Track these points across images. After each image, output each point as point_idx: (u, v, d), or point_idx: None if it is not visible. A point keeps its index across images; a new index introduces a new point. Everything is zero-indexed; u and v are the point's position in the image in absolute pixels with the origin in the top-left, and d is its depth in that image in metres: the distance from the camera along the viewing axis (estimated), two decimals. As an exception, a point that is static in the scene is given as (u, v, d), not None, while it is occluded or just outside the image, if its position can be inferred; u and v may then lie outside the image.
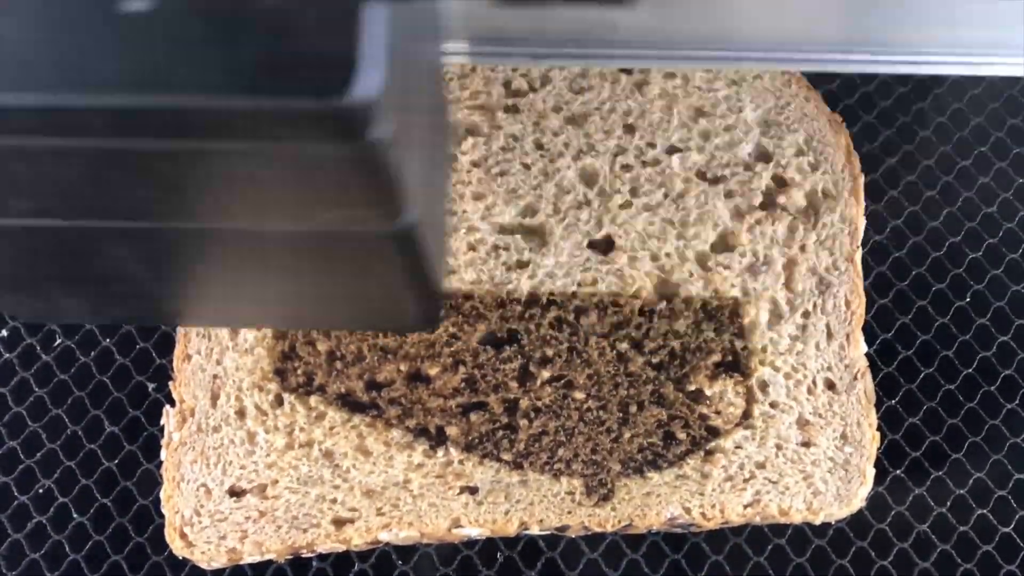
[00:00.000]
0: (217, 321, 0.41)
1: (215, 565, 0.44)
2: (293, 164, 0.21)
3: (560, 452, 0.44)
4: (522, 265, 0.46)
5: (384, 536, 0.43)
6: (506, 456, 0.44)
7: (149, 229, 0.24)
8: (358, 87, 0.18)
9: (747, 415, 0.45)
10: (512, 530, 0.43)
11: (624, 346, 0.45)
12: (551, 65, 0.49)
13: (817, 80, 0.54)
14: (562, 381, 0.45)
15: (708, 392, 0.45)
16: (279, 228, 0.24)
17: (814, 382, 0.45)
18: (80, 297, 0.30)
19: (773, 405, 0.45)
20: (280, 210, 0.23)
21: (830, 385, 0.45)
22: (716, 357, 0.45)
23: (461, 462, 0.44)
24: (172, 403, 0.45)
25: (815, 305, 0.46)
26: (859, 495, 0.44)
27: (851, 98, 0.55)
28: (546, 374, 0.45)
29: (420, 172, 0.24)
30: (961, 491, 0.48)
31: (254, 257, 0.27)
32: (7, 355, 0.51)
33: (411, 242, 0.24)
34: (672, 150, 0.48)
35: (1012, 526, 0.47)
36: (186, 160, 0.21)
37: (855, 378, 0.45)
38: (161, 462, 0.45)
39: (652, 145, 0.48)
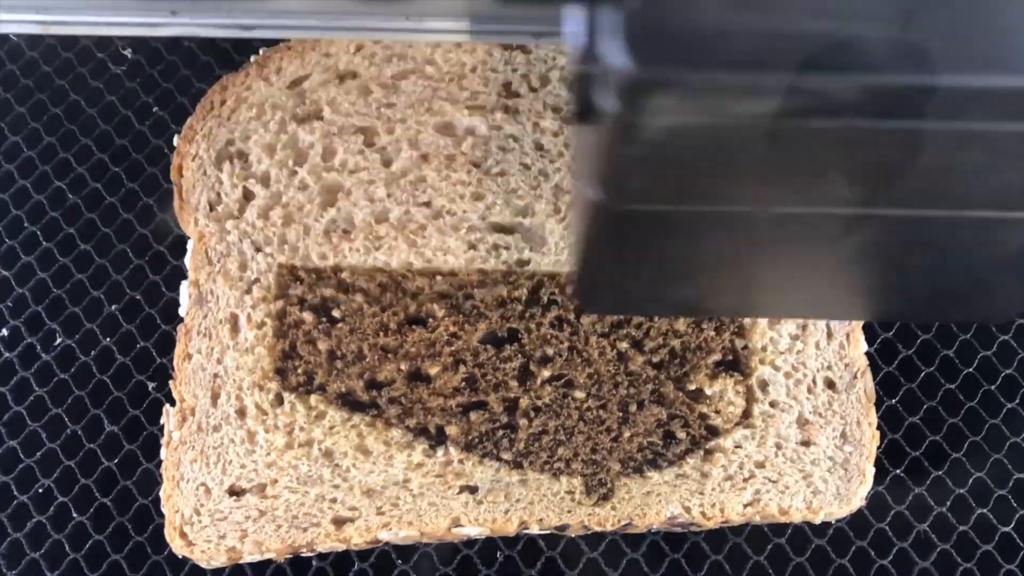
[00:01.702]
0: (803, 311, 0.39)
1: (215, 564, 0.44)
2: None
3: (560, 451, 0.44)
4: (522, 264, 0.46)
5: (384, 535, 0.43)
6: (506, 455, 0.44)
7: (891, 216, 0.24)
8: None
9: (747, 414, 0.45)
10: (512, 529, 0.43)
11: (624, 345, 0.45)
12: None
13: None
14: (562, 380, 0.45)
15: (708, 391, 0.45)
16: (1001, 216, 0.23)
17: (814, 381, 0.45)
18: (709, 288, 0.29)
19: (773, 404, 0.45)
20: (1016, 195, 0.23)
21: (830, 384, 0.45)
22: (716, 356, 0.45)
23: (461, 461, 0.44)
24: (172, 402, 0.45)
25: (815, 304, 0.46)
26: (859, 494, 0.44)
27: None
28: (546, 373, 0.45)
29: None
30: (961, 491, 0.48)
31: (971, 246, 0.26)
32: (7, 355, 0.51)
33: None
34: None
35: (1012, 526, 0.47)
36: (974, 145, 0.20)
37: (855, 377, 0.45)
38: (161, 461, 0.45)
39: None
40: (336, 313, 0.46)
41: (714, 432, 0.45)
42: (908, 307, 0.34)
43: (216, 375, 0.45)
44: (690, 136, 0.20)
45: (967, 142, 0.21)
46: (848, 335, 0.46)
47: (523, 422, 0.44)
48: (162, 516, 0.44)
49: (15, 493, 0.48)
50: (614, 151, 0.21)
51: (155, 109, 0.55)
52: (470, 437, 0.44)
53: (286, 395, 0.45)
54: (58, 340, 0.51)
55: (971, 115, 0.19)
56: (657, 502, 0.44)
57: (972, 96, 0.19)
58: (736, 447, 0.44)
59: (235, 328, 0.46)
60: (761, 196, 0.23)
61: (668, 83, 0.18)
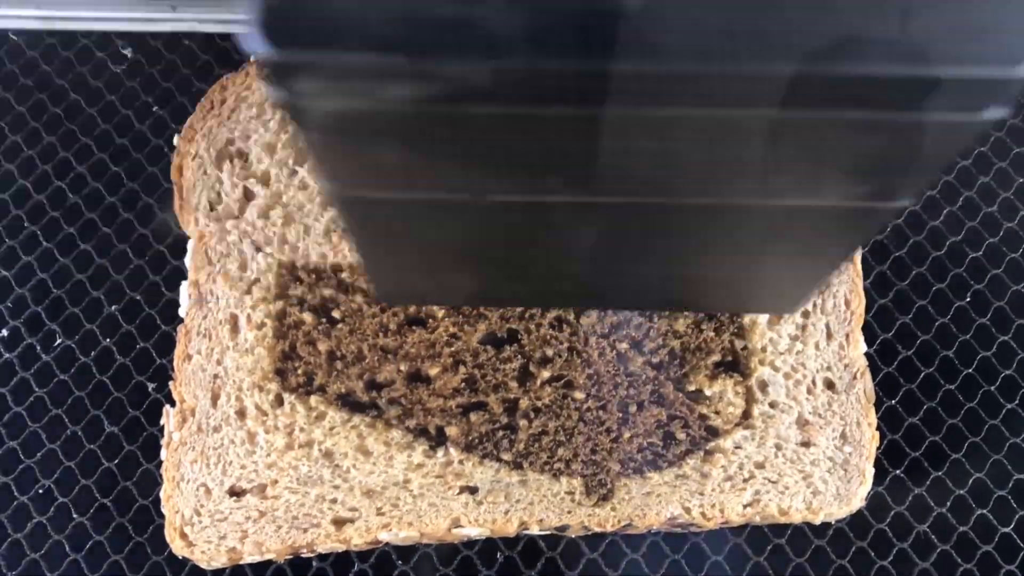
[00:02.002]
0: (611, 302, 0.39)
1: (215, 565, 0.44)
2: (894, 135, 0.20)
3: (560, 452, 0.44)
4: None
5: (384, 536, 0.43)
6: (506, 456, 0.44)
7: (652, 204, 0.24)
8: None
9: (747, 415, 0.45)
10: (512, 530, 0.43)
11: (624, 346, 0.45)
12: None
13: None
14: (562, 381, 0.45)
15: (708, 392, 0.45)
16: (793, 203, 0.23)
17: (813, 382, 0.45)
18: (477, 278, 0.29)
19: (773, 405, 0.45)
20: (816, 183, 0.22)
21: (829, 385, 0.45)
22: (716, 357, 0.45)
23: (461, 462, 0.44)
24: (172, 403, 0.45)
25: (814, 305, 0.46)
26: (859, 494, 0.44)
27: (851, 98, 0.55)
28: (546, 374, 0.45)
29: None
30: (961, 491, 0.48)
31: (718, 234, 0.26)
32: (7, 355, 0.51)
33: (884, 222, 0.24)
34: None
35: (1012, 526, 0.47)
36: (784, 131, 0.20)
37: (854, 378, 0.45)
38: (161, 462, 0.45)
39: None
40: (336, 314, 0.46)
41: (714, 433, 0.45)
42: (688, 297, 0.34)
43: (216, 376, 0.45)
44: (355, 120, 0.20)
45: (643, 128, 0.20)
46: (847, 336, 0.46)
47: (523, 423, 0.44)
48: (162, 517, 0.44)
49: (15, 494, 0.48)
50: (304, 136, 0.21)
51: (155, 109, 0.55)
52: (470, 438, 0.44)
53: (286, 396, 0.45)
54: (58, 341, 0.51)
55: (642, 100, 0.19)
56: (657, 503, 0.44)
57: (639, 81, 0.19)
58: (736, 448, 0.44)
59: (235, 329, 0.46)
60: (458, 184, 0.23)
61: (306, 67, 0.18)
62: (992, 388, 0.50)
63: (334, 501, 0.43)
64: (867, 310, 0.47)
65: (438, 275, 0.30)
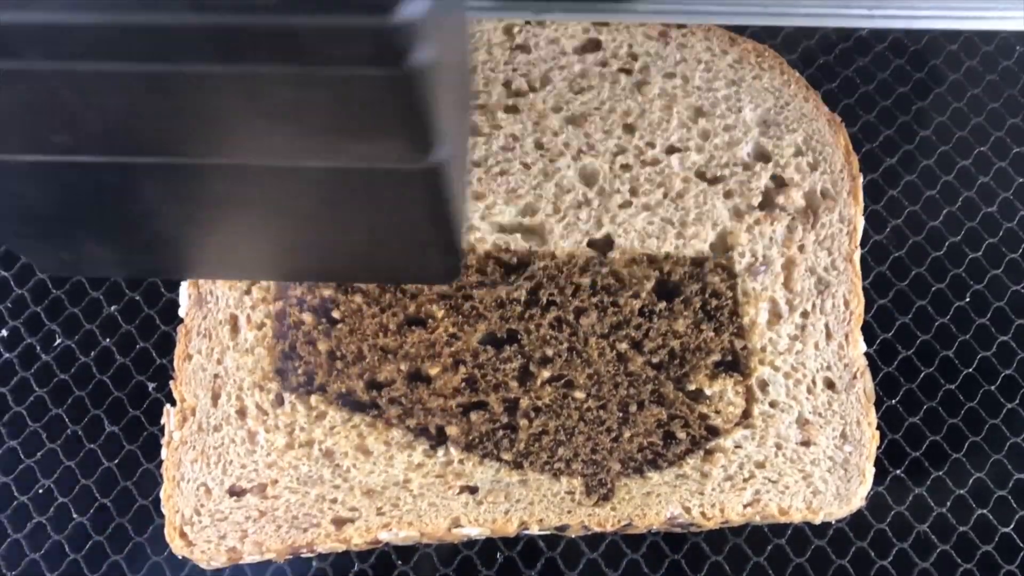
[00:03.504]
0: (234, 272, 0.39)
1: (215, 565, 0.44)
2: (330, 91, 0.20)
3: (560, 452, 0.44)
4: (522, 264, 0.46)
5: (384, 536, 0.43)
6: (506, 456, 0.44)
7: (178, 166, 0.24)
8: (406, 7, 0.18)
9: (747, 414, 0.45)
10: (512, 530, 0.43)
11: (624, 346, 0.45)
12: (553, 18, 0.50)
13: (817, 80, 0.54)
14: (562, 381, 0.45)
15: (708, 392, 0.45)
16: (308, 164, 0.23)
17: (813, 381, 0.45)
18: (106, 245, 0.29)
19: (773, 404, 0.45)
20: (312, 144, 0.23)
21: (829, 384, 0.45)
22: (716, 357, 0.45)
23: (461, 462, 0.44)
24: (172, 403, 0.45)
25: (814, 305, 0.46)
26: (859, 494, 0.44)
27: (851, 98, 0.55)
28: (546, 374, 0.45)
29: (451, 111, 0.23)
30: (961, 491, 0.48)
31: (279, 199, 0.26)
32: (7, 355, 0.51)
33: (440, 180, 0.23)
34: (671, 150, 0.48)
35: (1012, 526, 0.47)
36: (221, 87, 0.20)
37: (854, 377, 0.45)
38: (161, 462, 0.45)
39: (651, 145, 0.48)
40: (336, 314, 0.46)
41: (714, 432, 0.45)
42: (318, 268, 0.34)
43: (216, 375, 0.45)
44: None
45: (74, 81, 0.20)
46: (847, 335, 0.46)
47: (523, 422, 0.44)
48: (162, 516, 0.44)
49: (15, 494, 0.48)
50: None
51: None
52: (470, 437, 0.44)
53: (286, 395, 0.45)
54: (58, 340, 0.51)
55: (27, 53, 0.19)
56: (657, 502, 0.44)
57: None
58: (736, 447, 0.44)
59: (235, 329, 0.46)
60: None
61: None
62: (992, 388, 0.50)
63: (334, 501, 0.43)
64: (867, 310, 0.47)
65: (58, 242, 0.29)
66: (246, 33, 0.18)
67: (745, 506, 0.44)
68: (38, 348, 0.51)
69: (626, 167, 0.48)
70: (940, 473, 0.49)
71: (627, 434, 0.44)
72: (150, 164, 0.24)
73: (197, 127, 0.22)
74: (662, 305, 0.46)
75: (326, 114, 0.21)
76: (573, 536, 0.46)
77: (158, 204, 0.26)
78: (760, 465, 0.44)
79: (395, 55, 0.18)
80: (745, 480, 0.44)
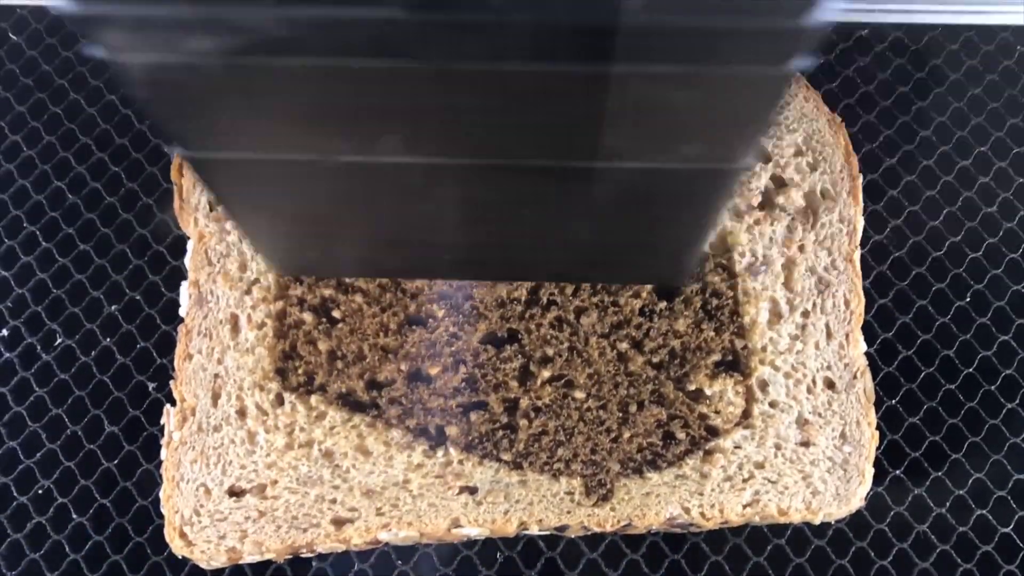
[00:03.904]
0: (479, 274, 0.38)
1: (215, 565, 0.44)
2: (698, 89, 0.20)
3: (560, 452, 0.44)
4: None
5: (384, 536, 0.43)
6: (506, 456, 0.44)
7: (481, 166, 0.23)
8: (818, 11, 0.17)
9: (747, 414, 0.45)
10: (512, 530, 0.43)
11: (624, 346, 0.45)
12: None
13: (817, 80, 0.54)
14: (562, 381, 0.45)
15: (708, 392, 0.45)
16: (629, 166, 0.23)
17: (813, 381, 0.45)
18: (360, 245, 0.29)
19: (773, 404, 0.45)
20: (649, 144, 0.22)
21: (829, 384, 0.45)
22: (716, 357, 0.45)
23: (461, 462, 0.44)
24: (172, 403, 0.45)
25: (814, 305, 0.46)
26: (858, 494, 0.44)
27: (851, 98, 0.55)
28: (546, 374, 0.45)
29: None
30: (961, 491, 0.48)
31: (573, 201, 0.25)
32: (7, 355, 0.51)
33: (734, 183, 0.23)
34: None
35: (1012, 526, 0.47)
36: (598, 87, 0.20)
37: (854, 377, 0.45)
38: (161, 462, 0.45)
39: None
40: (336, 314, 0.46)
41: (714, 432, 0.45)
42: (566, 268, 0.33)
43: (217, 375, 0.45)
44: (172, 76, 0.20)
45: (460, 83, 0.20)
46: (847, 335, 0.46)
47: (523, 423, 0.44)
48: (162, 517, 0.44)
49: (15, 494, 0.48)
50: (136, 96, 0.21)
51: (155, 109, 0.55)
52: (470, 438, 0.44)
53: (286, 395, 0.45)
54: (58, 340, 0.51)
55: (451, 53, 0.19)
56: (657, 503, 0.44)
57: (446, 32, 0.18)
58: (736, 448, 0.44)
59: (235, 328, 0.46)
60: (300, 143, 0.23)
61: (109, 20, 0.18)
62: (992, 388, 0.50)
63: (334, 501, 0.43)
64: (867, 310, 0.47)
65: (316, 242, 0.29)
66: (658, 33, 0.18)
67: (744, 506, 0.44)
68: (38, 348, 0.51)
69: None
70: (940, 473, 0.49)
71: (627, 434, 0.44)
72: (458, 165, 0.23)
73: (538, 127, 0.22)
74: (662, 305, 0.46)
75: (677, 114, 0.21)
76: (573, 536, 0.46)
77: (446, 205, 0.26)
78: (760, 465, 0.44)
79: (786, 56, 0.18)
80: (744, 480, 0.44)
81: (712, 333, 0.46)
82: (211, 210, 0.47)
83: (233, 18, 0.18)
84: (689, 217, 0.26)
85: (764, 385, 0.45)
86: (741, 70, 0.19)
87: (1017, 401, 0.50)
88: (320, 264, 0.32)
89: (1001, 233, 0.53)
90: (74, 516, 0.48)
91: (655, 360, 0.45)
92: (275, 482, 0.44)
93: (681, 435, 0.44)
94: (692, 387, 0.45)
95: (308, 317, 0.45)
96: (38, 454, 0.49)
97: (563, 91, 0.20)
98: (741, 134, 0.22)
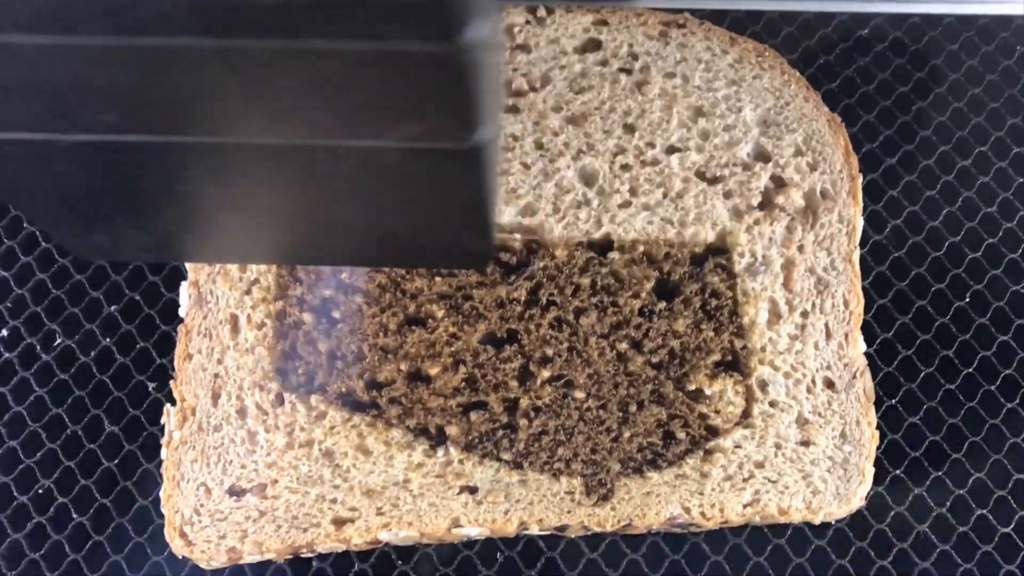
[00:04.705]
0: (264, 256, 0.39)
1: (215, 564, 0.44)
2: (383, 67, 0.20)
3: (560, 452, 0.44)
4: (521, 264, 0.46)
5: (384, 536, 0.43)
6: (506, 456, 0.44)
7: (220, 145, 0.23)
8: None
9: (746, 414, 0.45)
10: (512, 530, 0.43)
11: (624, 346, 0.45)
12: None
13: (817, 80, 0.54)
14: (562, 381, 0.45)
15: (708, 391, 0.45)
16: (352, 144, 0.23)
17: (813, 381, 0.45)
18: (140, 228, 0.29)
19: (772, 404, 0.45)
20: (359, 123, 0.22)
21: (829, 384, 0.45)
22: (715, 356, 0.45)
23: (461, 462, 0.44)
24: (173, 402, 0.45)
25: (814, 305, 0.46)
26: (858, 494, 0.44)
27: (851, 98, 0.55)
28: (546, 374, 0.45)
29: (491, 92, 0.23)
30: (961, 491, 0.48)
31: (318, 180, 0.26)
32: (7, 355, 0.51)
33: (481, 161, 0.23)
34: (671, 150, 0.48)
35: (1012, 526, 0.47)
36: (272, 62, 0.20)
37: (854, 377, 0.45)
38: (161, 461, 0.45)
39: (651, 145, 0.48)
40: (336, 314, 0.46)
41: (714, 432, 0.45)
42: (362, 253, 0.33)
43: (217, 375, 0.45)
44: None
45: (135, 58, 0.20)
46: (847, 335, 0.46)
47: (523, 422, 0.44)
48: (162, 516, 0.44)
49: (15, 494, 0.48)
50: None
51: (155, 109, 0.55)
52: (470, 437, 0.44)
53: (287, 395, 0.45)
54: (58, 340, 0.51)
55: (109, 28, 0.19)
56: (657, 502, 0.44)
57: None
58: (736, 447, 0.44)
59: (235, 328, 0.46)
60: (32, 120, 0.23)
61: None
62: (992, 388, 0.50)
63: (334, 501, 0.43)
64: (867, 310, 0.47)
65: (99, 226, 0.29)
66: (303, 6, 0.18)
67: (745, 506, 0.44)
68: (38, 348, 0.51)
69: (626, 167, 0.48)
70: (940, 473, 0.49)
71: (627, 434, 0.44)
72: (190, 143, 0.24)
73: (252, 105, 0.22)
74: (662, 305, 0.46)
75: (377, 92, 0.21)
76: (573, 536, 0.46)
77: (195, 185, 0.26)
78: (760, 465, 0.44)
79: (450, 30, 0.18)
80: (745, 480, 0.44)
81: (712, 333, 0.46)
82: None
83: None
84: (450, 198, 0.26)
85: (764, 385, 0.45)
86: (402, 45, 0.19)
87: (1017, 401, 0.50)
88: (112, 247, 0.32)
89: (1001, 233, 0.53)
90: (74, 516, 0.48)
91: (655, 360, 0.45)
92: (275, 482, 0.44)
93: (681, 435, 0.44)
94: (692, 387, 0.45)
95: (308, 317, 0.45)
96: (38, 454, 0.49)
97: (253, 67, 0.20)
98: (451, 112, 0.21)
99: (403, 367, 0.45)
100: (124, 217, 0.28)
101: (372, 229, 0.30)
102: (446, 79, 0.20)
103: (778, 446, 0.44)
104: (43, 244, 0.53)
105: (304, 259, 0.41)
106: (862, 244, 0.47)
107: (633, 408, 0.45)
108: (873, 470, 0.44)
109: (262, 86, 0.21)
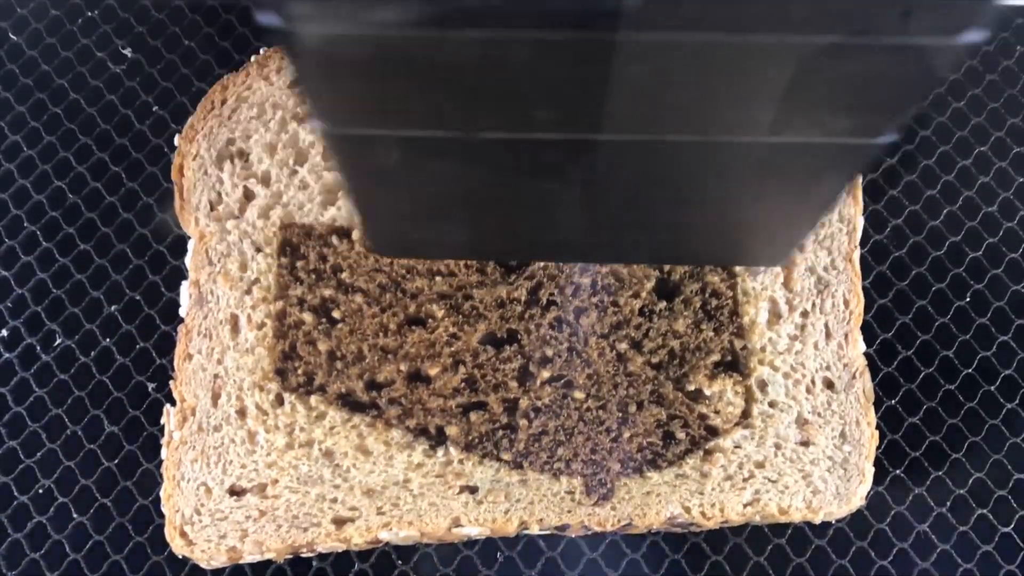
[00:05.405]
0: (602, 256, 0.38)
1: (215, 564, 0.44)
2: (860, 61, 0.19)
3: (560, 452, 0.44)
4: (522, 264, 0.46)
5: (384, 536, 0.43)
6: (506, 456, 0.44)
7: (638, 143, 0.23)
8: None
9: (746, 414, 0.45)
10: (512, 529, 0.43)
11: (623, 346, 0.45)
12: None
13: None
14: (562, 381, 0.45)
15: (707, 392, 0.45)
16: (782, 141, 0.23)
17: (813, 381, 0.45)
18: (474, 227, 0.29)
19: (772, 404, 0.45)
20: (796, 117, 0.22)
21: (829, 384, 0.45)
22: (715, 357, 0.45)
23: (461, 462, 0.44)
24: (172, 403, 0.45)
25: (813, 304, 0.46)
26: (858, 493, 0.44)
27: (851, 98, 0.55)
28: (546, 374, 0.45)
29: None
30: (961, 491, 0.48)
31: (712, 178, 0.25)
32: (7, 355, 0.51)
33: (869, 160, 0.23)
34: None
35: (1012, 526, 0.47)
36: (764, 59, 0.19)
37: (853, 377, 0.45)
38: (161, 462, 0.45)
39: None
40: (336, 314, 0.46)
41: (713, 432, 0.45)
42: (675, 250, 0.33)
43: (217, 375, 0.45)
44: (346, 47, 0.20)
45: (635, 56, 0.19)
46: (846, 335, 0.46)
47: (523, 422, 0.44)
48: (162, 516, 0.44)
49: (15, 494, 0.48)
50: (297, 68, 0.21)
51: (155, 108, 0.55)
52: (470, 437, 0.44)
53: (286, 395, 0.45)
54: (58, 340, 0.51)
55: (632, 24, 0.18)
56: (657, 502, 0.44)
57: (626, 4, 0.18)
58: (735, 447, 0.44)
59: (235, 328, 0.46)
60: (450, 119, 0.22)
61: None
62: (992, 388, 0.50)
63: (334, 500, 0.43)
64: (867, 310, 0.47)
65: (430, 223, 0.29)
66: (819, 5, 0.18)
67: (745, 506, 0.44)
68: (38, 348, 0.51)
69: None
70: (940, 473, 0.49)
71: (627, 434, 0.44)
72: (605, 141, 0.23)
73: (704, 102, 0.21)
74: (662, 305, 0.46)
75: (842, 85, 0.20)
76: (573, 536, 0.46)
77: (575, 184, 0.25)
78: (760, 465, 0.44)
79: (957, 28, 0.18)
80: (745, 480, 0.44)
81: (711, 333, 0.46)
82: (212, 209, 0.47)
83: None
84: (817, 195, 0.26)
85: (763, 385, 0.45)
86: (913, 40, 0.19)
87: (1017, 401, 0.50)
88: (428, 246, 0.32)
89: (1001, 233, 0.53)
90: (74, 516, 0.48)
91: (654, 360, 0.45)
92: (275, 481, 0.44)
93: (681, 435, 0.44)
94: (691, 387, 0.45)
95: (308, 317, 0.45)
96: (38, 454, 0.49)
97: (733, 63, 0.20)
98: (897, 107, 0.21)
99: (403, 367, 0.45)
100: (468, 215, 0.28)
101: (715, 227, 0.29)
102: (921, 74, 0.20)
103: (778, 446, 0.44)
104: (43, 244, 0.53)
105: (609, 257, 0.39)
106: (862, 244, 0.47)
107: (633, 408, 0.45)
108: (873, 470, 0.44)
109: (741, 83, 0.20)
